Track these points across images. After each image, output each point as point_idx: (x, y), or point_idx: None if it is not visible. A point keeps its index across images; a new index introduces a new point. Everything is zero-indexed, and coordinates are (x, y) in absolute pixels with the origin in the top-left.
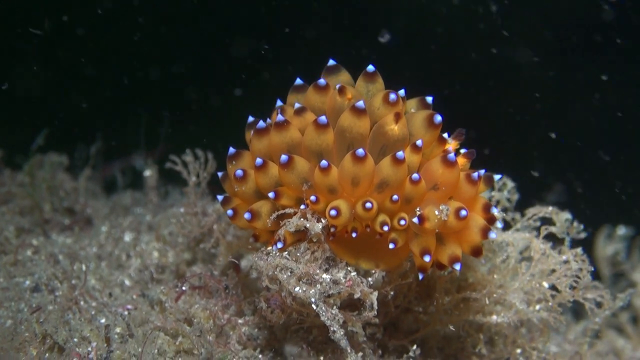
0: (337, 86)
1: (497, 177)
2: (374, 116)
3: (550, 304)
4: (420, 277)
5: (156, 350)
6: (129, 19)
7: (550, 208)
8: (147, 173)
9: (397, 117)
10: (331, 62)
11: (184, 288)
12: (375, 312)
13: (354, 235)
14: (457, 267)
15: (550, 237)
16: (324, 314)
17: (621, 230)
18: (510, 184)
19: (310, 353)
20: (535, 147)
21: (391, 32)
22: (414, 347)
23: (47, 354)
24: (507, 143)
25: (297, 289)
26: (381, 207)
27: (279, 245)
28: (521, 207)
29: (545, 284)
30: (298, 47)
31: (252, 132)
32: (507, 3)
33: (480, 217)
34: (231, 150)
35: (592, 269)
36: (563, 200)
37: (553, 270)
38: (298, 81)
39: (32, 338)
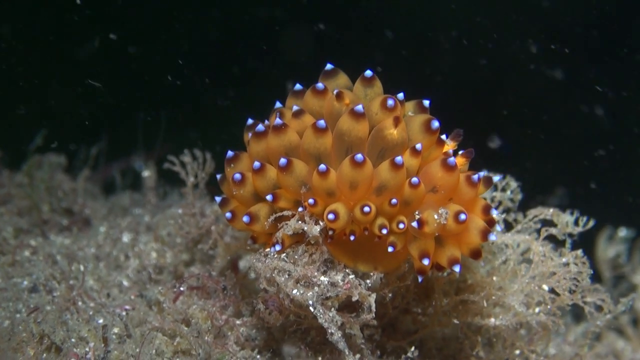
0: (335, 91)
1: (496, 178)
2: (372, 120)
3: (549, 306)
4: (420, 280)
5: (154, 351)
6: (128, 21)
7: (552, 210)
8: (146, 174)
9: (397, 122)
10: (329, 65)
11: (182, 289)
12: (374, 315)
13: (352, 238)
14: (457, 269)
15: (552, 239)
16: (321, 316)
17: (622, 232)
18: (513, 184)
19: (309, 353)
20: (539, 148)
21: (391, 32)
22: (412, 348)
23: (44, 354)
24: (512, 143)
25: (294, 291)
26: (380, 210)
27: (277, 247)
28: (524, 207)
29: (545, 287)
30: (298, 48)
31: (250, 134)
32: (507, 3)
33: (479, 219)
34: (229, 153)
35: (592, 272)
36: (565, 203)
37: (553, 273)
38: (298, 86)
39: (29, 338)
